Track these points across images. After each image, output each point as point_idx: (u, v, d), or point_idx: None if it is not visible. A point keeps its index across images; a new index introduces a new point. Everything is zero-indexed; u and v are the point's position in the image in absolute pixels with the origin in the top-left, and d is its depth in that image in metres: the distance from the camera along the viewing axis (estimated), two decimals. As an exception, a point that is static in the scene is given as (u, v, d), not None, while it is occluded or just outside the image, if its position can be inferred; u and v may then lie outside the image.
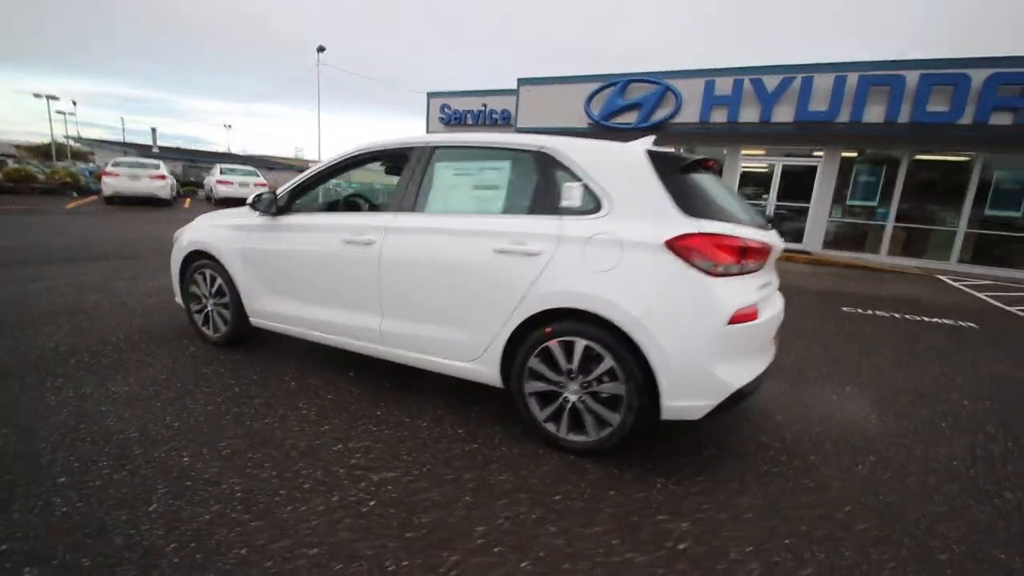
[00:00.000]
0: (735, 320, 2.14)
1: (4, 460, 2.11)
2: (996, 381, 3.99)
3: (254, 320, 3.45)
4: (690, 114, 12.87)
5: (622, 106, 13.55)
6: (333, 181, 3.68)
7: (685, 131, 13.10)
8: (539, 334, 2.39)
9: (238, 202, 17.86)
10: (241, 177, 17.73)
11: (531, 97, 15.02)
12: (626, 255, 2.22)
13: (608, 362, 2.25)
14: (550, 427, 2.44)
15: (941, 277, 10.41)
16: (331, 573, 1.61)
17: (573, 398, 2.37)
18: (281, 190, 3.28)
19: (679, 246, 2.14)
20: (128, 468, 2.10)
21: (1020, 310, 7.28)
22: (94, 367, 3.13)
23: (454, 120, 17.12)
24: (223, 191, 17.07)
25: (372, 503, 1.97)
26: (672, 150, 2.37)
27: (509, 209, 2.59)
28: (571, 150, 2.47)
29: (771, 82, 11.90)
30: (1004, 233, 11.33)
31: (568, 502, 2.06)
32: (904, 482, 2.39)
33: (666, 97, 13.02)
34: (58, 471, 2.05)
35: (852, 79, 11.14)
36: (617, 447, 2.33)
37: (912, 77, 10.63)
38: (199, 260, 3.63)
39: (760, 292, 2.35)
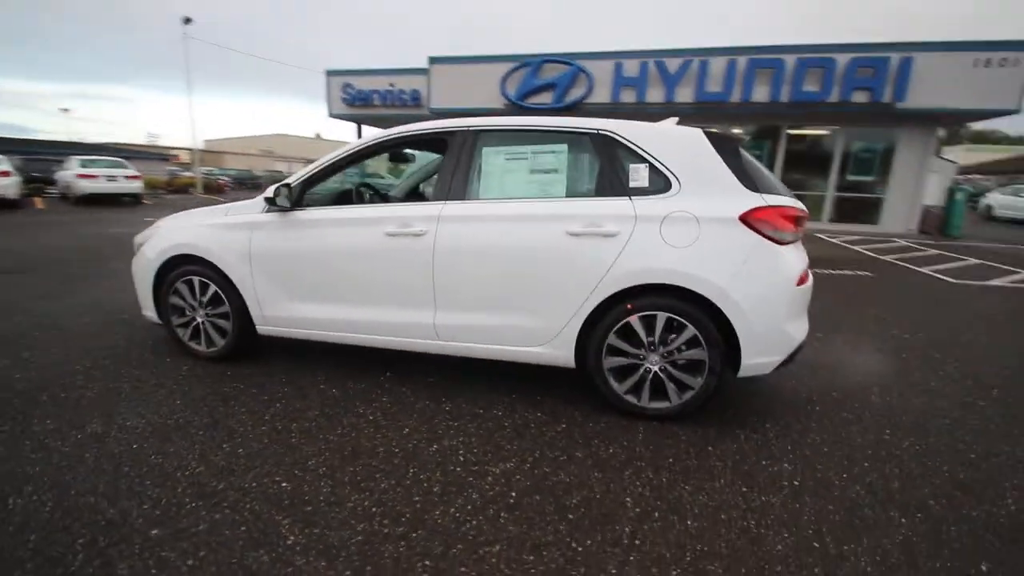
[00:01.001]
0: (799, 282, 2.42)
1: (63, 526, 1.76)
2: (917, 319, 4.86)
3: (264, 329, 3.13)
4: (602, 95, 13.45)
5: (537, 86, 13.76)
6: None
7: (598, 111, 13.68)
8: (618, 312, 2.49)
9: (107, 198, 15.44)
10: (107, 169, 15.23)
11: (443, 77, 14.67)
12: (704, 230, 2.38)
13: (690, 331, 2.42)
14: (631, 399, 2.57)
15: (819, 235, 12.15)
16: (526, 564, 1.61)
17: (655, 368, 2.52)
18: (293, 181, 2.97)
19: (752, 219, 2.35)
20: (225, 504, 1.87)
21: (893, 258, 8.80)
22: (81, 402, 2.65)
23: (359, 101, 16.20)
24: (87, 187, 14.57)
25: (513, 494, 1.97)
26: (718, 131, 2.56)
27: (574, 192, 2.62)
28: (633, 132, 2.56)
29: (673, 64, 12.81)
30: (861, 195, 13.48)
31: (682, 463, 2.22)
32: (920, 414, 2.89)
33: (579, 78, 13.46)
34: (142, 523, 1.76)
35: (742, 62, 12.36)
36: (698, 409, 2.53)
37: (791, 60, 12.07)
38: (184, 267, 3.18)
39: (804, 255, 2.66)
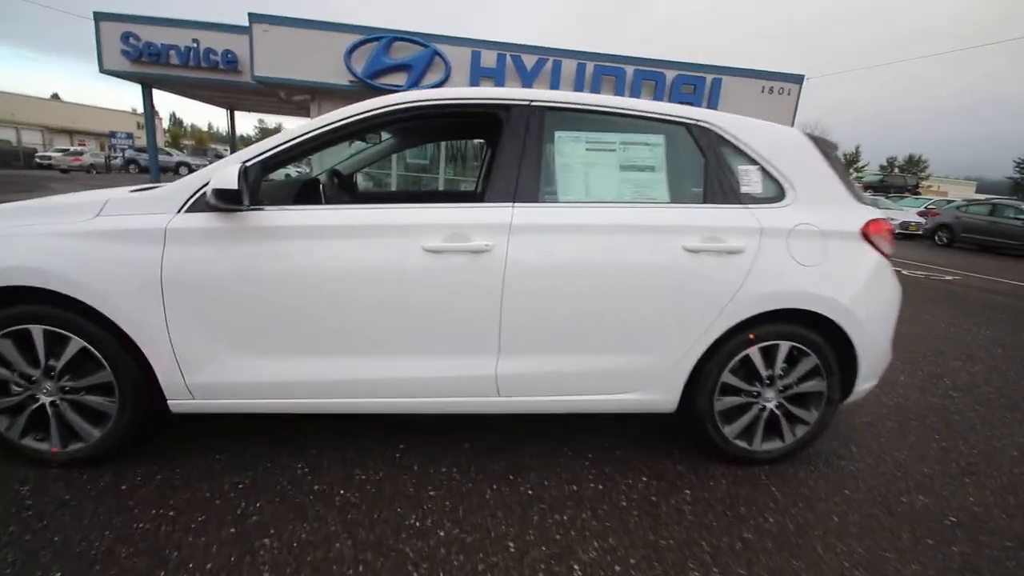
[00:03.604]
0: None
1: None
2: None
3: (183, 405, 1.89)
4: (460, 83, 12.81)
5: (390, 65, 12.47)
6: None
7: (455, 99, 13.04)
8: (737, 343, 2.06)
9: None
10: None
11: (271, 40, 12.28)
12: (830, 246, 2.09)
13: (811, 360, 2.13)
14: (741, 443, 2.18)
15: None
16: None
17: (770, 405, 2.17)
18: (248, 160, 1.79)
19: (870, 233, 2.14)
20: None
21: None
22: None
23: (149, 57, 12.62)
24: None
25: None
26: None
27: (678, 197, 2.08)
28: (737, 127, 2.13)
29: (529, 60, 12.88)
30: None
31: (817, 510, 1.91)
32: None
33: (435, 62, 12.61)
34: None
35: (590, 67, 13.05)
36: (803, 445, 2.26)
37: (630, 71, 13.16)
38: (6, 310, 1.73)
39: None
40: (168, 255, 1.75)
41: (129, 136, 24.73)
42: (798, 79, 13.15)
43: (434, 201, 1.99)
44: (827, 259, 2.08)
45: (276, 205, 1.87)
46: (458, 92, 2.04)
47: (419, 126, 3.07)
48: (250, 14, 12.11)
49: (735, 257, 2.00)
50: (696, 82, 13.07)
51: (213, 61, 12.86)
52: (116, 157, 27.14)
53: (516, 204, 1.92)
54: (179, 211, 1.80)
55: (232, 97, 17.15)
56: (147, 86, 14.20)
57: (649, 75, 13.15)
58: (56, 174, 22.47)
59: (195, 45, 12.71)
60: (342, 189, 2.98)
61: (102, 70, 12.79)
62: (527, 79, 12.88)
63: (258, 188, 1.85)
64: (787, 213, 2.08)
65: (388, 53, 12.46)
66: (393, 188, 13.74)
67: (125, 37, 12.46)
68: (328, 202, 2.69)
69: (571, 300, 1.94)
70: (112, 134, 24.66)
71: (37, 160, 24.94)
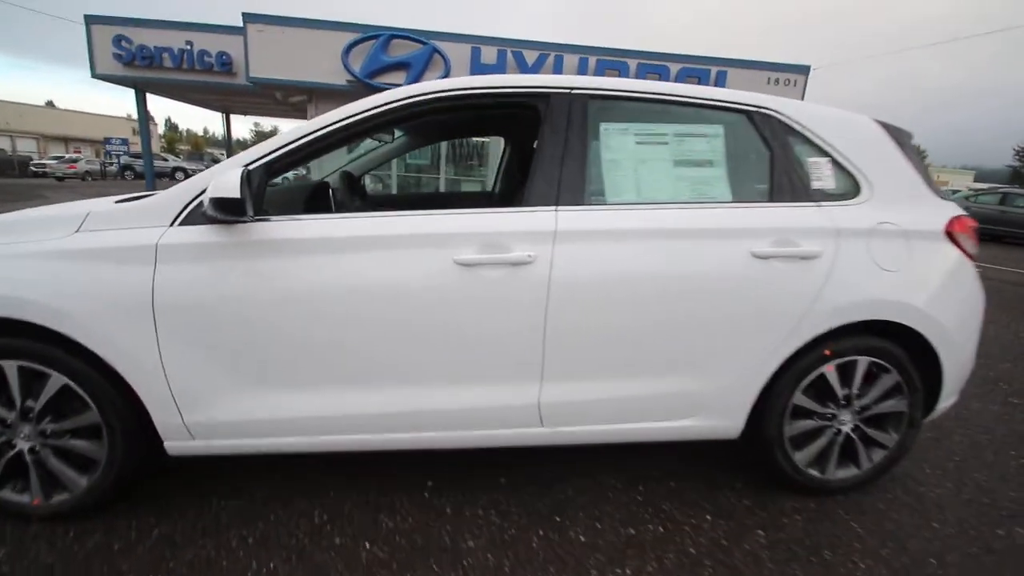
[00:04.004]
0: (980, 305, 2.06)
1: None
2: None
3: (181, 447, 1.64)
4: (460, 80, 12.57)
5: (388, 64, 12.20)
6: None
7: (456, 97, 12.78)
8: (811, 360, 1.81)
9: None
10: None
11: (266, 40, 12.00)
12: (914, 248, 1.84)
13: (892, 376, 1.88)
14: (813, 472, 1.93)
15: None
16: None
17: (846, 428, 1.92)
18: (252, 163, 1.54)
19: (955, 231, 1.89)
20: None
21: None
22: None
23: (142, 60, 12.32)
24: None
25: None
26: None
27: (741, 195, 1.83)
28: (804, 113, 1.88)
29: (531, 56, 12.62)
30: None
31: (911, 552, 1.66)
32: (973, 412, 2.85)
33: (434, 60, 12.34)
34: None
35: (592, 61, 12.79)
36: (879, 472, 2.01)
37: (633, 64, 12.88)
38: (-29, 347, 1.49)
39: None
40: (160, 276, 1.50)
41: (124, 142, 24.40)
42: (804, 70, 12.89)
43: (458, 205, 1.73)
44: (911, 262, 1.82)
45: (283, 214, 1.63)
46: (492, 80, 1.79)
47: (434, 122, 2.82)
48: (244, 14, 11.84)
49: (810, 263, 1.75)
50: (701, 74, 12.81)
51: (207, 63, 12.57)
52: (112, 163, 26.85)
53: (560, 208, 1.67)
54: (172, 224, 1.55)
55: (227, 100, 16.85)
56: (140, 90, 13.93)
57: (653, 68, 12.88)
58: (51, 182, 22.21)
59: (189, 47, 12.42)
60: (353, 194, 2.73)
61: (94, 75, 12.51)
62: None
63: (262, 195, 1.60)
64: (864, 211, 1.83)
65: (386, 51, 12.20)
66: (394, 191, 13.49)
67: (117, 40, 12.17)
68: (339, 208, 2.44)
69: (624, 316, 1.69)
70: (107, 140, 24.36)
71: (32, 168, 24.74)
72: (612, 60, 12.81)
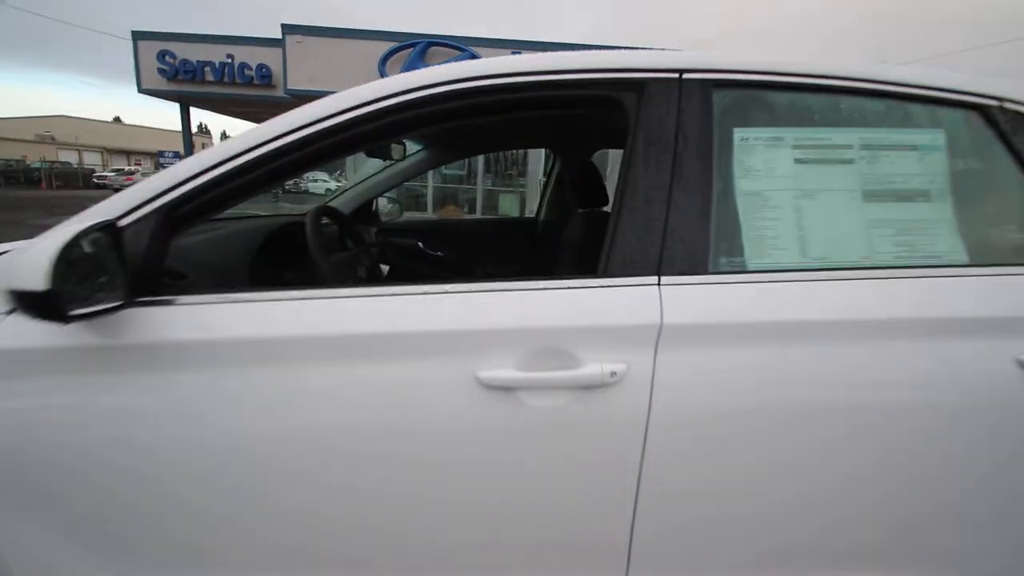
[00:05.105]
0: None
1: None
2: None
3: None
4: (500, 87, 12.04)
5: (426, 72, 11.82)
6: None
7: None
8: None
9: None
10: None
11: (304, 51, 11.85)
12: None
13: None
14: None
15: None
16: None
17: None
18: (126, 213, 0.90)
19: None
20: None
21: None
22: None
23: (184, 75, 12.41)
24: None
25: None
26: None
27: (980, 251, 1.03)
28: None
29: (574, 59, 11.95)
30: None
31: None
32: None
33: (473, 66, 11.87)
34: None
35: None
36: None
37: (686, 66, 12.00)
38: None
39: None
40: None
41: (176, 155, 25.42)
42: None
43: (491, 245, 1.02)
44: None
45: (207, 278, 0.96)
46: (548, 60, 1.06)
47: (462, 129, 2.13)
48: (283, 25, 11.76)
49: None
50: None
51: (248, 76, 12.54)
52: (166, 175, 28.09)
53: (664, 279, 0.94)
54: (8, 313, 0.92)
55: (269, 112, 16.94)
56: (184, 104, 14.09)
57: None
58: (109, 192, 23.29)
59: (230, 60, 12.42)
60: (344, 233, 1.96)
61: (140, 90, 12.69)
62: (572, 80, 11.95)
63: (164, 256, 0.94)
64: None
65: (423, 60, 11.79)
66: (430, 208, 13.02)
67: (161, 55, 12.30)
68: (354, 242, 1.78)
69: (787, 471, 0.94)
70: (160, 153, 25.49)
71: (95, 180, 26.18)
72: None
